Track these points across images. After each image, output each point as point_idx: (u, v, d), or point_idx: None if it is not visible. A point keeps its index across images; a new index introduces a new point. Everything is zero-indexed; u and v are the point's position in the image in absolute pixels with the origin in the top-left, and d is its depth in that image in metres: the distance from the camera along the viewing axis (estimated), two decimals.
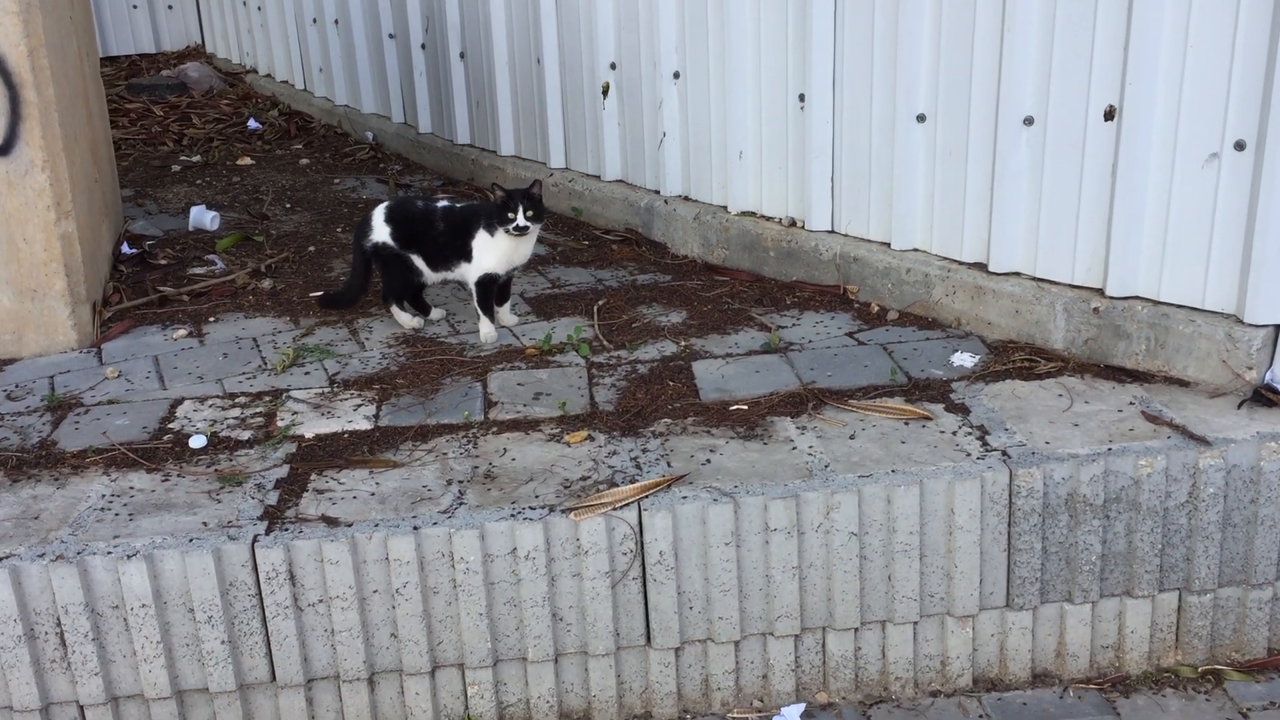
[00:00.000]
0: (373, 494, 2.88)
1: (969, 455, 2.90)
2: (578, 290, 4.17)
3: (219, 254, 4.61)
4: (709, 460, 2.96)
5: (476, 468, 2.99)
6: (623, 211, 4.70)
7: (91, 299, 3.87)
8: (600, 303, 4.00)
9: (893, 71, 3.66)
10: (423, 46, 5.78)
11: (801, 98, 3.95)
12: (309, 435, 3.20)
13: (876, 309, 3.82)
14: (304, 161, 6.16)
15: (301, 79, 7.30)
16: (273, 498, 2.88)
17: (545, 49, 4.89)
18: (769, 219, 4.20)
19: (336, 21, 6.59)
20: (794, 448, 3.00)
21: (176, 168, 6.06)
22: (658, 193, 4.58)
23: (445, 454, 3.07)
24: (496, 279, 3.70)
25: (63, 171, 3.67)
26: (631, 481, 2.88)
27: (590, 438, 3.12)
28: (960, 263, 3.67)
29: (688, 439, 3.08)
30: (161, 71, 8.24)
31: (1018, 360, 3.38)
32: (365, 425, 3.23)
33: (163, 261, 4.53)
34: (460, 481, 2.92)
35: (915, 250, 3.80)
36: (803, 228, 4.08)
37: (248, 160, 6.16)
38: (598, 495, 2.81)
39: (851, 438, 3.03)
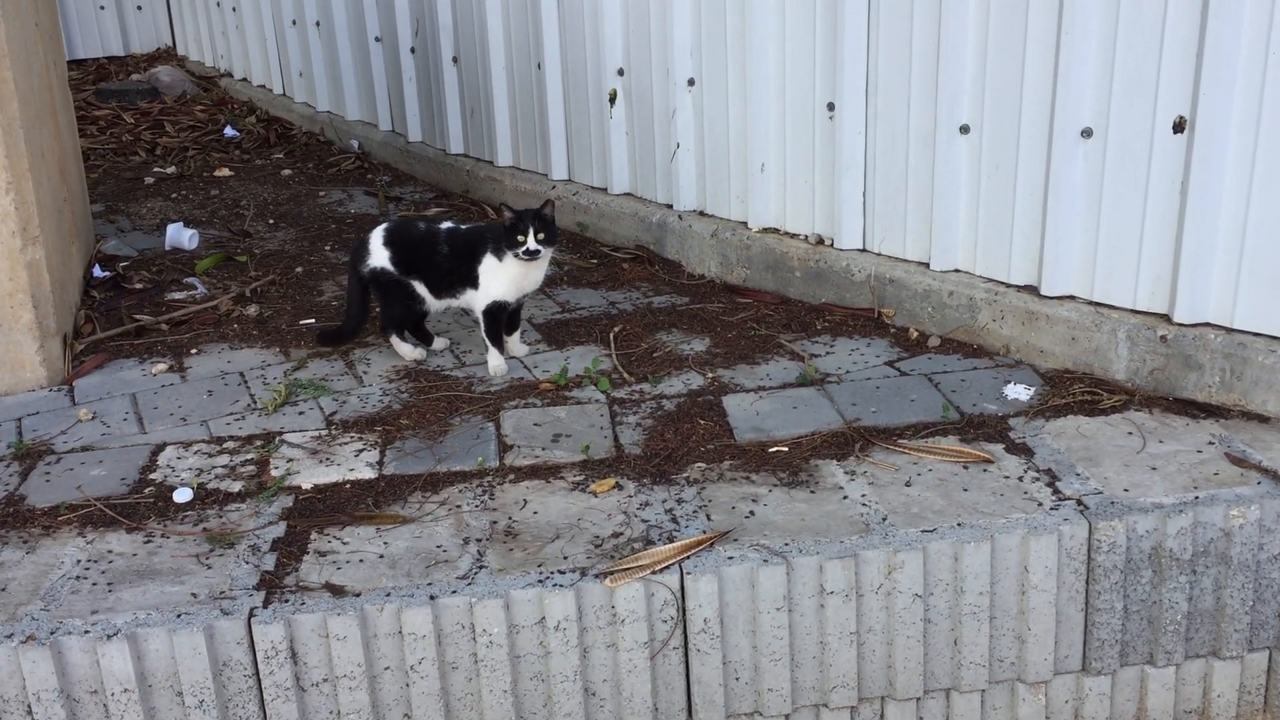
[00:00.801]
0: (381, 556, 2.59)
1: (1040, 505, 2.63)
2: (590, 315, 3.88)
3: (199, 276, 4.28)
4: (752, 512, 2.68)
5: (495, 523, 2.70)
6: (632, 227, 4.41)
7: (62, 331, 3.55)
8: (616, 329, 3.71)
9: (933, 78, 3.39)
10: (412, 50, 5.47)
11: (831, 107, 3.67)
12: (307, 486, 2.89)
13: (915, 334, 3.55)
14: (286, 172, 5.83)
15: (280, 84, 6.97)
16: (269, 562, 2.58)
17: (546, 53, 4.59)
18: (794, 236, 3.92)
19: (318, 23, 6.27)
20: (845, 497, 2.72)
21: (150, 180, 5.72)
22: (670, 207, 4.30)
23: (459, 506, 2.78)
24: (506, 307, 3.40)
25: (29, 193, 3.35)
26: (669, 539, 2.60)
27: (618, 486, 2.84)
28: (1008, 285, 3.40)
29: (726, 487, 2.80)
30: (131, 76, 7.88)
31: (1078, 393, 3.12)
32: (369, 473, 2.93)
33: (138, 285, 4.21)
34: (478, 540, 2.63)
35: (957, 271, 3.53)
36: (832, 246, 3.80)
37: (226, 171, 5.83)
38: (634, 557, 2.53)
39: (907, 484, 2.76)
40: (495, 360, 3.44)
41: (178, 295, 4.13)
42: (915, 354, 3.45)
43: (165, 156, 6.16)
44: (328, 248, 4.65)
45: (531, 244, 3.23)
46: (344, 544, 2.65)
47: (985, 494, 2.70)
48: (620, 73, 4.35)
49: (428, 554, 2.59)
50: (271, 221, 5.02)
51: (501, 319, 3.42)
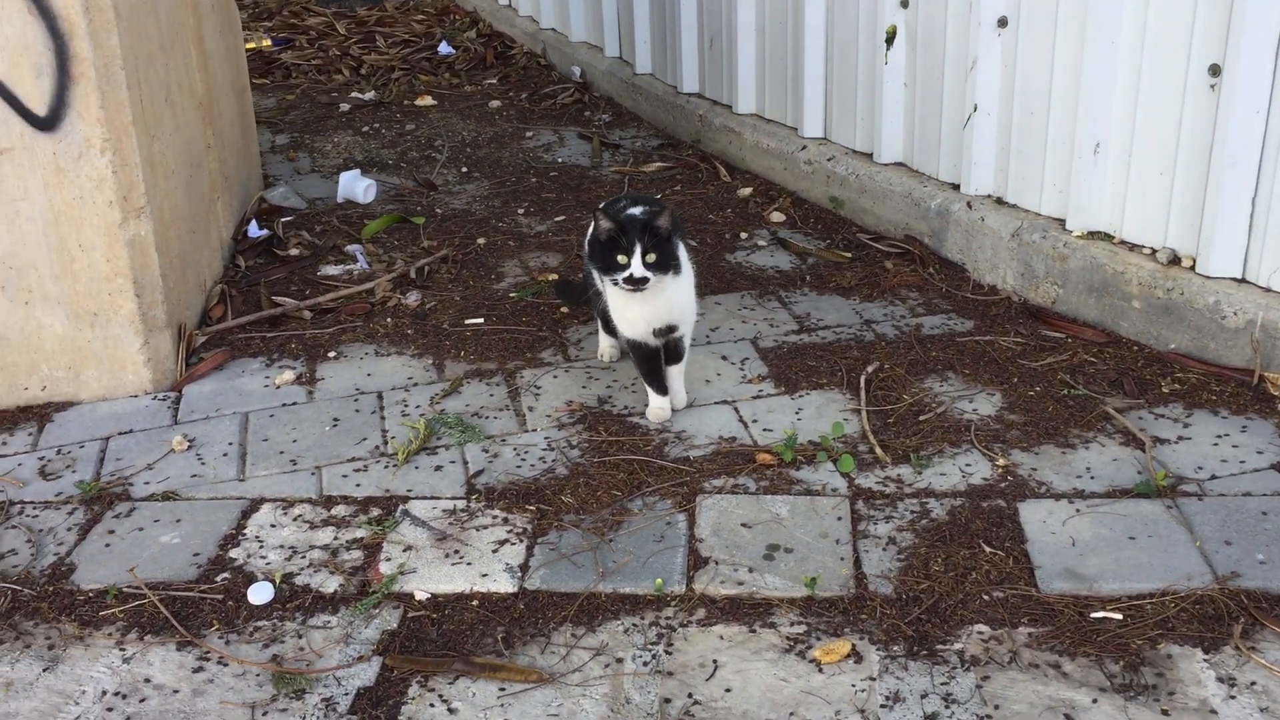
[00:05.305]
0: None
1: None
2: (836, 339, 2.90)
3: (363, 243, 3.55)
4: None
5: (669, 703, 1.83)
6: (902, 210, 3.37)
7: (175, 322, 2.87)
8: (870, 368, 2.72)
9: None
10: None
11: (1214, 70, 2.52)
12: (421, 596, 2.10)
13: None
14: (494, 103, 5.03)
15: None
16: None
17: None
18: (1135, 249, 2.80)
19: None
20: None
21: (346, 107, 5.04)
22: (957, 189, 3.23)
23: (620, 662, 1.92)
24: (641, 346, 2.49)
25: (132, 153, 2.65)
26: None
27: (855, 655, 1.90)
28: None
29: (1022, 681, 1.82)
30: None
31: None
32: (507, 584, 2.11)
33: (293, 251, 3.51)
34: None
35: None
36: (1192, 269, 2.67)
37: (428, 100, 5.07)
38: None
39: None
40: (653, 403, 2.56)
41: (333, 270, 3.40)
42: None
43: (369, 77, 5.47)
44: (520, 210, 3.82)
45: (637, 269, 2.27)
46: (451, 712, 1.84)
47: None
48: (904, 3, 3.27)
49: None
50: (464, 169, 4.24)
51: (645, 355, 2.51)
